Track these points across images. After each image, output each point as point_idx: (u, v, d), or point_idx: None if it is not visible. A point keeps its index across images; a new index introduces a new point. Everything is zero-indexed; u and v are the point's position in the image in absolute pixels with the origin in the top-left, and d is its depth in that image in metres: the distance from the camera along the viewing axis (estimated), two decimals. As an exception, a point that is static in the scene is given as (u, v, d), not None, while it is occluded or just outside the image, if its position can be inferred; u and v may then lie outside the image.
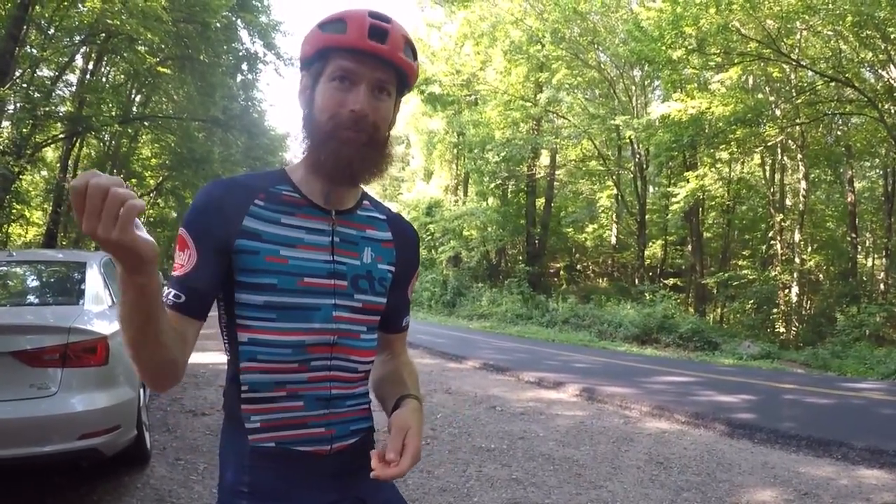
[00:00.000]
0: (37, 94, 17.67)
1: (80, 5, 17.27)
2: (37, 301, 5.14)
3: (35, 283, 5.52)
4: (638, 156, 27.48)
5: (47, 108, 17.80)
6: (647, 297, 22.27)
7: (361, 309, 1.37)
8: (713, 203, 27.31)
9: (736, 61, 19.29)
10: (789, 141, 22.30)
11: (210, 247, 1.24)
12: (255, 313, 1.27)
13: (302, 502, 1.31)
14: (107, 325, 4.21)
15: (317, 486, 1.33)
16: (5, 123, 18.49)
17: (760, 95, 22.09)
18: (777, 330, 21.62)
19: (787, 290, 21.99)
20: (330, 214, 1.36)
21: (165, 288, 1.25)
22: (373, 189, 1.51)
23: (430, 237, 34.07)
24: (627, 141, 27.29)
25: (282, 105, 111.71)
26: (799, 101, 20.78)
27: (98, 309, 4.56)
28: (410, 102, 35.81)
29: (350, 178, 1.31)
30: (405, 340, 1.61)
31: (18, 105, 17.60)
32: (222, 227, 1.25)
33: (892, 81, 17.37)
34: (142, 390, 4.74)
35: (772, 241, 23.62)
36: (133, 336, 1.09)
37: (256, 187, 1.32)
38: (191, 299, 1.24)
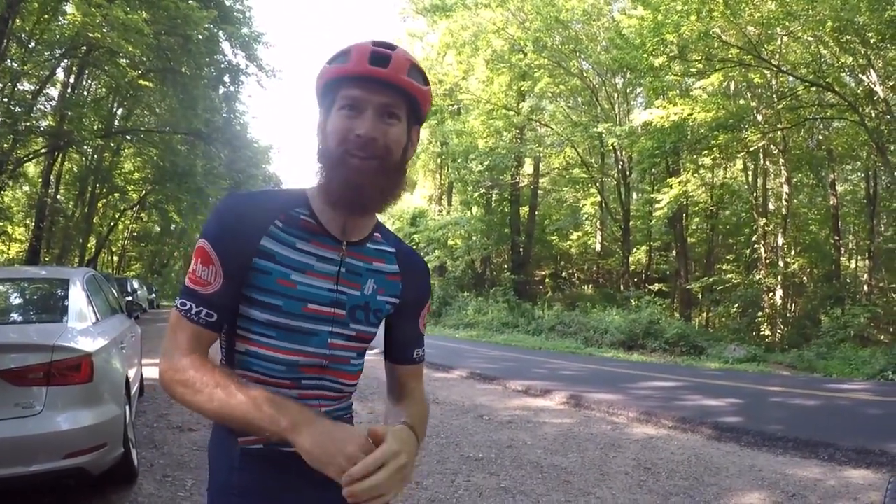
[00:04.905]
0: (18, 109, 17.58)
1: (60, 18, 17.18)
2: (20, 319, 5.08)
3: (18, 301, 5.47)
4: (621, 163, 27.59)
5: (28, 123, 17.71)
6: (633, 303, 22.32)
7: (355, 337, 1.41)
8: (697, 208, 27.48)
9: (717, 68, 19.44)
10: (771, 146, 22.49)
11: (233, 264, 1.28)
12: (257, 329, 1.32)
13: (289, 502, 1.35)
14: (91, 343, 4.18)
15: (303, 487, 1.34)
16: (-14, 139, 18.35)
17: (742, 101, 22.28)
18: (762, 333, 21.74)
19: (771, 294, 22.13)
20: (341, 245, 1.37)
21: (187, 302, 1.29)
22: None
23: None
24: (610, 148, 27.41)
25: (264, 117, 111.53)
26: (780, 106, 20.98)
27: (82, 326, 4.52)
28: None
29: (361, 206, 1.32)
30: (420, 376, 1.60)
31: (-1, 120, 17.49)
32: (243, 245, 1.29)
33: (872, 85, 17.56)
34: (127, 407, 4.70)
35: (756, 245, 23.77)
36: (224, 420, 1.26)
37: (277, 208, 1.34)
38: (220, 317, 1.30)
